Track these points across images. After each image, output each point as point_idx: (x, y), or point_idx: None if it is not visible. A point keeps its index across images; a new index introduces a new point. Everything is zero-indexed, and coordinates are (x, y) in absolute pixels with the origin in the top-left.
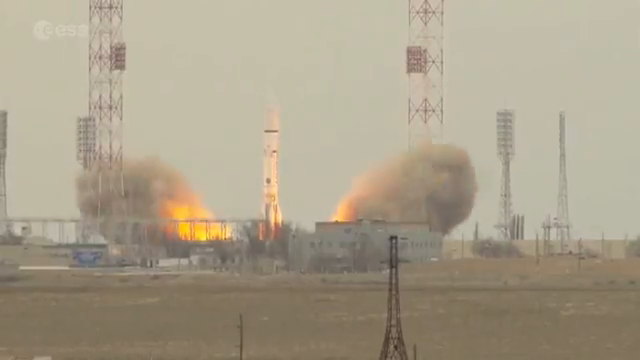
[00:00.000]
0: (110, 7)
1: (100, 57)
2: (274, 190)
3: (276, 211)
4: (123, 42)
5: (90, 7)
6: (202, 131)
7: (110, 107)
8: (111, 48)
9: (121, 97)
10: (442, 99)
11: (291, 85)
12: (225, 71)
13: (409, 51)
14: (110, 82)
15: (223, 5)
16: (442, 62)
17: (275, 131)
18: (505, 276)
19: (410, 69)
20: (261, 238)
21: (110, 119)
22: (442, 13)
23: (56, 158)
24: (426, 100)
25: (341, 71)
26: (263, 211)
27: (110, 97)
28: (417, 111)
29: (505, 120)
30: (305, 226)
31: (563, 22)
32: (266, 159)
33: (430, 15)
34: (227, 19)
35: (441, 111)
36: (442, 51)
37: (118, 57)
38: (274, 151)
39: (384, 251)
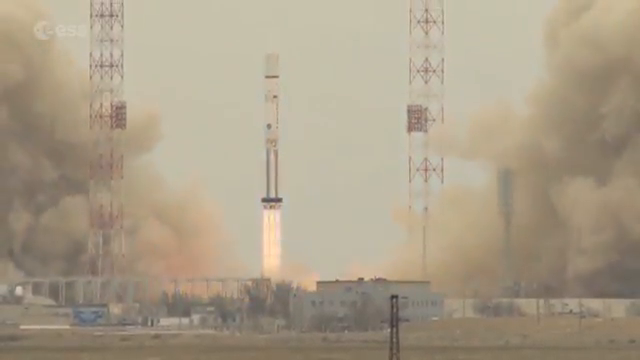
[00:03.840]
0: (111, 65)
1: (101, 116)
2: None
3: (276, 157)
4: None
5: (91, 66)
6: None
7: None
8: (112, 107)
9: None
10: (443, 160)
11: None
12: None
13: (409, 110)
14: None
15: None
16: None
17: None
18: (507, 335)
19: (411, 128)
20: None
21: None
22: (442, 71)
23: None
24: (426, 159)
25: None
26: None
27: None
28: (417, 170)
29: (506, 180)
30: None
31: None
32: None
33: (430, 74)
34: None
35: (442, 170)
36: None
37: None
38: (275, 96)
39: (385, 310)
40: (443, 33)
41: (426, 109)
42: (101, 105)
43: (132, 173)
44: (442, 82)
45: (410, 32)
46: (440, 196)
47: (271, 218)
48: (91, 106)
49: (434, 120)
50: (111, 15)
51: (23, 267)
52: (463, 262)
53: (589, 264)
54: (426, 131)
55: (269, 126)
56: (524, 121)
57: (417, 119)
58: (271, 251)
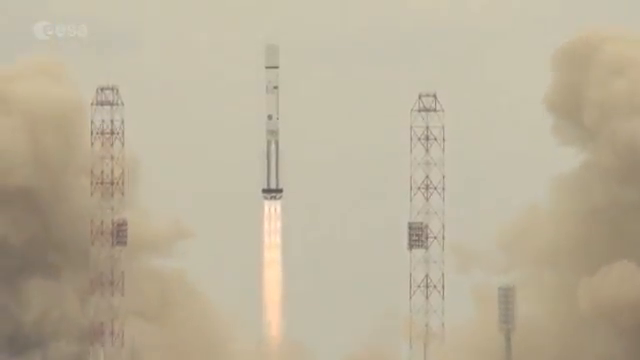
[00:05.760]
0: (112, 183)
1: (102, 232)
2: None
3: (277, 147)
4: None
5: (91, 183)
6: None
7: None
8: (112, 224)
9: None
10: (443, 275)
11: None
12: None
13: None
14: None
15: None
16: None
17: None
18: None
19: (411, 245)
20: None
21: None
22: (443, 189)
23: None
24: (427, 276)
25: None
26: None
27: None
28: (419, 287)
29: (507, 295)
30: None
31: None
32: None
33: (431, 191)
34: None
35: (442, 287)
36: (443, 226)
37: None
38: (275, 87)
39: None
40: (444, 150)
41: (427, 226)
42: (102, 222)
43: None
44: (443, 199)
45: (411, 150)
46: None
47: (272, 209)
48: (92, 222)
49: (435, 238)
50: (111, 133)
51: None
52: None
53: None
54: (427, 248)
55: (270, 117)
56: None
57: (418, 236)
58: (272, 240)
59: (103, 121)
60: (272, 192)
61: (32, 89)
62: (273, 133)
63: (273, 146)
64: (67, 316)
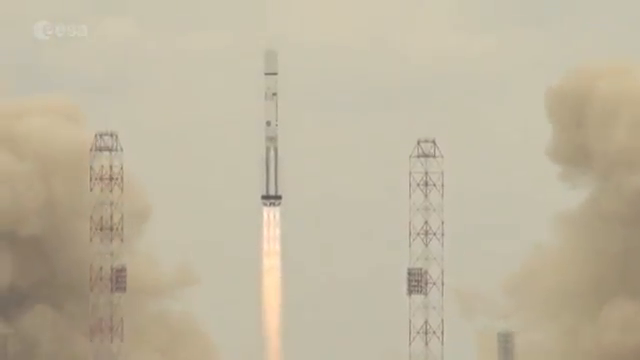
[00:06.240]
0: (111, 229)
1: (101, 279)
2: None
3: (276, 154)
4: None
5: (91, 228)
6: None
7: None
8: (112, 270)
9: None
10: (442, 321)
11: None
12: None
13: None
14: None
15: None
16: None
17: None
18: None
19: (411, 291)
20: None
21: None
22: (442, 234)
23: None
24: (426, 322)
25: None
26: None
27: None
28: (418, 333)
29: (506, 341)
30: None
31: None
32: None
33: (431, 237)
34: None
35: (442, 333)
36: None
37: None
38: (274, 94)
39: None
40: (443, 196)
41: (426, 272)
42: (101, 268)
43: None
44: (442, 245)
45: (410, 195)
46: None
47: (271, 215)
48: (91, 268)
49: (434, 283)
50: (110, 179)
51: None
52: None
53: None
54: (426, 294)
55: (268, 123)
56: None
57: (417, 282)
58: (271, 248)
59: (102, 167)
60: (271, 198)
61: (45, 130)
62: (272, 139)
63: (272, 153)
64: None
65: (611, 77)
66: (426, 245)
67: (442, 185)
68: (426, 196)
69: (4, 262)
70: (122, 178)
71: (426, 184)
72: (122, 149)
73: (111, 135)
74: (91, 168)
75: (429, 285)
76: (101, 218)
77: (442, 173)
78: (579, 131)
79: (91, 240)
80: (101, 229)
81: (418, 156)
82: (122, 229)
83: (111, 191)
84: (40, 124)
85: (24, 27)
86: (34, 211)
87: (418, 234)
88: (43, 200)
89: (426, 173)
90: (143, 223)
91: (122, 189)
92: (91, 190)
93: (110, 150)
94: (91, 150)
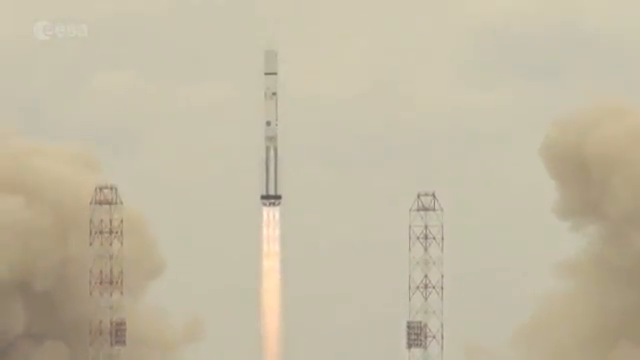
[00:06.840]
0: (110, 283)
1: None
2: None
3: (276, 154)
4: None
5: (90, 282)
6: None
7: None
8: (111, 324)
9: None
10: None
11: None
12: None
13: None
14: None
15: None
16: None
17: None
18: None
19: (410, 344)
20: None
21: None
22: (442, 288)
23: None
24: None
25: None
26: None
27: None
28: None
29: None
30: None
31: None
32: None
33: (430, 290)
34: None
35: None
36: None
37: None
38: (274, 93)
39: None
40: (443, 250)
41: (426, 325)
42: (100, 322)
43: None
44: (442, 298)
45: (409, 249)
46: None
47: (270, 215)
48: (90, 322)
49: (434, 337)
50: (110, 232)
51: None
52: None
53: None
54: (426, 347)
55: (268, 123)
56: None
57: (416, 335)
58: (270, 248)
59: (102, 221)
60: (271, 198)
61: (61, 180)
62: (272, 139)
63: (272, 152)
64: None
65: (605, 123)
66: (425, 299)
67: (442, 238)
68: (426, 250)
69: (17, 312)
70: (122, 232)
71: (426, 237)
72: (122, 202)
73: (111, 188)
74: (91, 222)
75: (429, 339)
76: (101, 272)
77: (442, 226)
78: (583, 186)
79: (91, 294)
80: (101, 283)
81: (418, 209)
82: (122, 283)
83: (111, 244)
84: (57, 172)
85: (24, 27)
86: (49, 268)
87: (417, 288)
88: (58, 258)
89: (426, 227)
90: (154, 279)
91: (122, 243)
92: (91, 244)
93: (110, 203)
94: (91, 203)
